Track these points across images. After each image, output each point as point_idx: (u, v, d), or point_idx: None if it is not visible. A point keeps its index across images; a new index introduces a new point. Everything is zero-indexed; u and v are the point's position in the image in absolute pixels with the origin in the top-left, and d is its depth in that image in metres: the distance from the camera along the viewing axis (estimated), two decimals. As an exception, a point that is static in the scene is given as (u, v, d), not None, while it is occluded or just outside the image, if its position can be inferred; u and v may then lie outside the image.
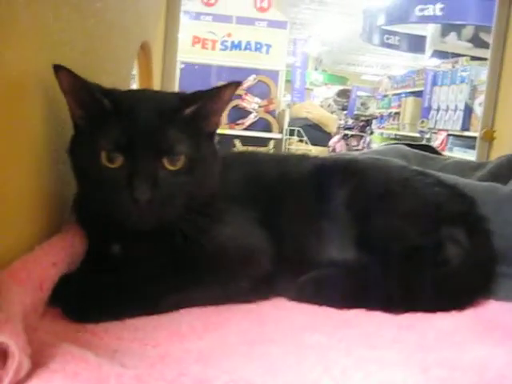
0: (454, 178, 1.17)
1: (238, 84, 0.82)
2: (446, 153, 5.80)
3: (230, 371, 0.60)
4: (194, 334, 0.70)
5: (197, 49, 5.86)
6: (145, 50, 1.66)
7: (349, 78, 13.54)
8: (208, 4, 5.94)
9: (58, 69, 0.75)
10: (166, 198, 0.75)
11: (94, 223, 0.81)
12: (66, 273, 0.76)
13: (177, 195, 0.76)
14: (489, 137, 2.10)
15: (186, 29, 5.91)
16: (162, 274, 0.78)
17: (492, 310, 0.91)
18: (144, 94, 0.89)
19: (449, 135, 6.00)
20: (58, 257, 0.75)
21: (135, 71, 1.79)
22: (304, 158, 1.11)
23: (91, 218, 0.83)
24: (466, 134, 4.96)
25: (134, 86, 1.91)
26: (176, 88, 2.48)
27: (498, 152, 1.93)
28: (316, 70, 12.96)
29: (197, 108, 0.79)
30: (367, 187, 0.97)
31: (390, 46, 9.94)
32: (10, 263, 0.67)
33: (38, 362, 0.54)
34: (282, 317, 0.80)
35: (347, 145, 8.32)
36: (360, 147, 8.12)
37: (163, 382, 0.56)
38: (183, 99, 0.81)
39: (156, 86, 1.97)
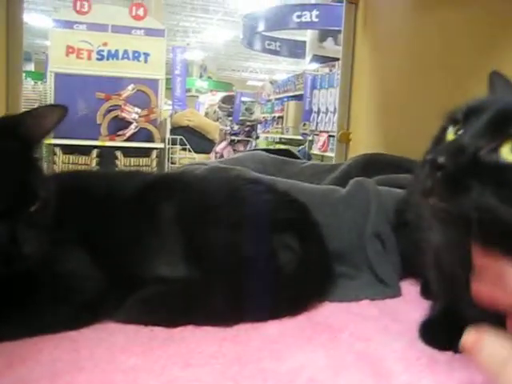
0: (291, 183, 1.19)
1: None
2: (328, 153, 6.03)
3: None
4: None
5: (71, 59, 5.66)
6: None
7: (234, 84, 13.63)
8: (81, 12, 5.76)
9: None
10: None
11: None
12: None
13: None
14: (345, 139, 2.17)
15: (59, 38, 5.73)
16: None
17: (324, 313, 0.92)
18: None
19: (330, 136, 6.23)
20: None
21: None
22: (135, 174, 1.09)
23: None
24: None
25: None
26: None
27: (355, 153, 1.99)
28: (201, 77, 12.95)
29: None
30: (194, 201, 0.95)
31: (271, 51, 10.17)
32: None
33: None
34: (101, 340, 0.75)
35: (234, 150, 8.36)
36: (246, 152, 8.20)
37: None
38: None
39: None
